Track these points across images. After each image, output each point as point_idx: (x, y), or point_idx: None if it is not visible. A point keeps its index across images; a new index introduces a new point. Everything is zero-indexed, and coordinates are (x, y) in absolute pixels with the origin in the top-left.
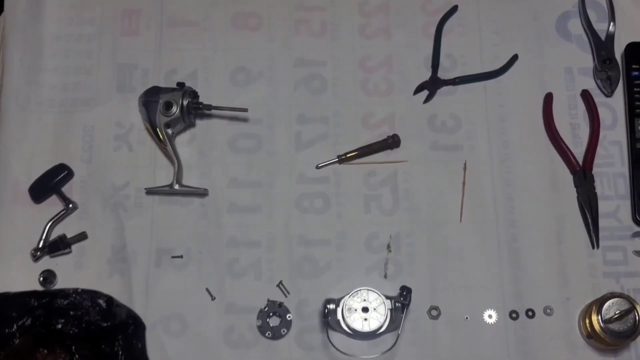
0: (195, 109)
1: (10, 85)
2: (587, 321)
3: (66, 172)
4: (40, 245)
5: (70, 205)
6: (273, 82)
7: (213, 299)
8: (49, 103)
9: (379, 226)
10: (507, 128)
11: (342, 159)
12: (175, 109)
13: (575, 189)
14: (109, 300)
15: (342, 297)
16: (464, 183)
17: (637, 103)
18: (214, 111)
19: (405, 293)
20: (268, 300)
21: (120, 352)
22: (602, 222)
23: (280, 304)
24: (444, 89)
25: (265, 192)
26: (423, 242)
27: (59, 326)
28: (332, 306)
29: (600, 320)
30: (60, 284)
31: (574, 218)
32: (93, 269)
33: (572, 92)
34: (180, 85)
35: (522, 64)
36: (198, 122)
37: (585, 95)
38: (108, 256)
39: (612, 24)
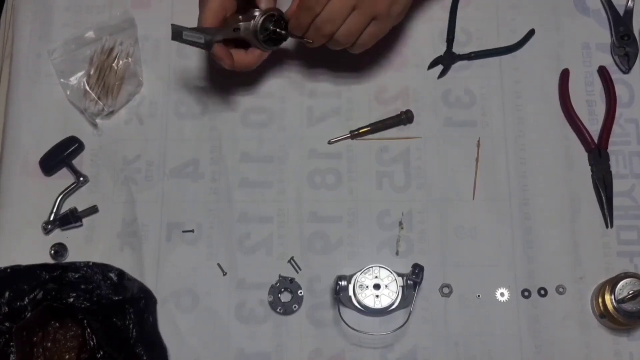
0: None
1: (20, 57)
2: (599, 300)
3: (77, 144)
4: (51, 218)
5: (81, 179)
6: (285, 54)
7: (224, 274)
8: (59, 75)
9: (391, 203)
10: (522, 104)
11: (355, 135)
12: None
13: (590, 167)
14: (120, 274)
15: (354, 274)
16: (477, 160)
17: None
18: None
19: (417, 271)
20: (279, 276)
21: (131, 326)
22: (616, 201)
23: (292, 280)
24: (459, 63)
25: (276, 167)
26: (435, 219)
27: (71, 300)
28: (343, 283)
29: (613, 300)
30: (71, 257)
31: (588, 197)
32: (104, 242)
33: (589, 69)
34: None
35: (539, 39)
36: (210, 94)
37: (602, 72)
38: (119, 230)
39: None
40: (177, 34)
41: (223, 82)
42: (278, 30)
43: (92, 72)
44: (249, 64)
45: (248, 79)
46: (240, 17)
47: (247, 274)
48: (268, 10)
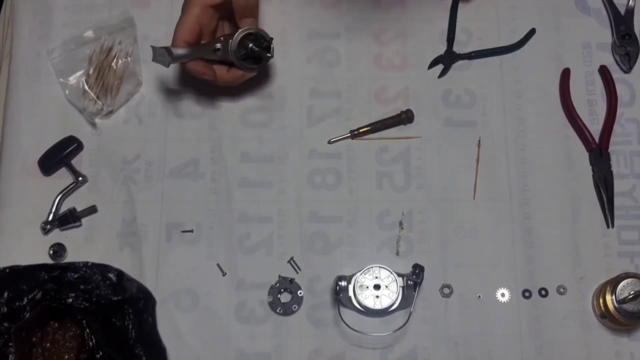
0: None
1: (19, 57)
2: (600, 301)
3: (76, 144)
4: (50, 218)
5: (80, 178)
6: (286, 55)
7: (224, 274)
8: (58, 74)
9: (391, 203)
10: (522, 104)
11: (355, 134)
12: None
13: (590, 167)
14: (120, 274)
15: (354, 274)
16: (477, 160)
17: None
18: None
19: (417, 271)
20: (279, 277)
21: (130, 327)
22: (617, 201)
23: (292, 280)
24: (459, 63)
25: (276, 167)
26: (435, 219)
27: (70, 300)
28: (343, 283)
29: (614, 301)
30: (70, 257)
31: (589, 197)
32: (103, 242)
33: (590, 68)
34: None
35: (540, 39)
36: (210, 94)
37: (603, 71)
38: (118, 230)
39: None
40: (153, 54)
41: None
42: (257, 48)
43: (91, 72)
44: (229, 81)
45: (248, 79)
46: (221, 37)
47: (247, 274)
48: (246, 29)
